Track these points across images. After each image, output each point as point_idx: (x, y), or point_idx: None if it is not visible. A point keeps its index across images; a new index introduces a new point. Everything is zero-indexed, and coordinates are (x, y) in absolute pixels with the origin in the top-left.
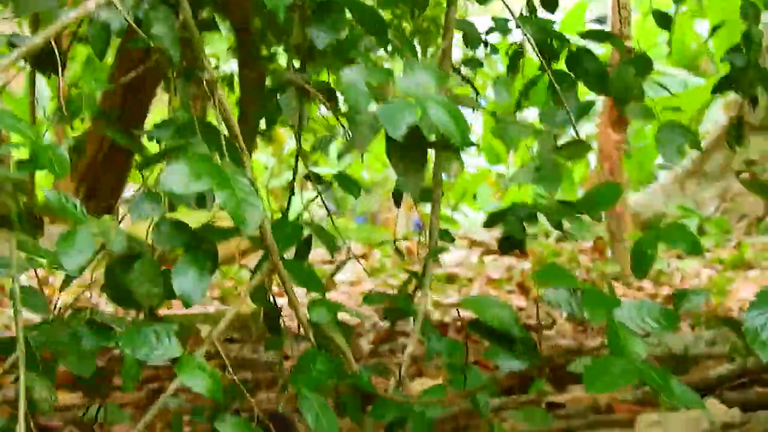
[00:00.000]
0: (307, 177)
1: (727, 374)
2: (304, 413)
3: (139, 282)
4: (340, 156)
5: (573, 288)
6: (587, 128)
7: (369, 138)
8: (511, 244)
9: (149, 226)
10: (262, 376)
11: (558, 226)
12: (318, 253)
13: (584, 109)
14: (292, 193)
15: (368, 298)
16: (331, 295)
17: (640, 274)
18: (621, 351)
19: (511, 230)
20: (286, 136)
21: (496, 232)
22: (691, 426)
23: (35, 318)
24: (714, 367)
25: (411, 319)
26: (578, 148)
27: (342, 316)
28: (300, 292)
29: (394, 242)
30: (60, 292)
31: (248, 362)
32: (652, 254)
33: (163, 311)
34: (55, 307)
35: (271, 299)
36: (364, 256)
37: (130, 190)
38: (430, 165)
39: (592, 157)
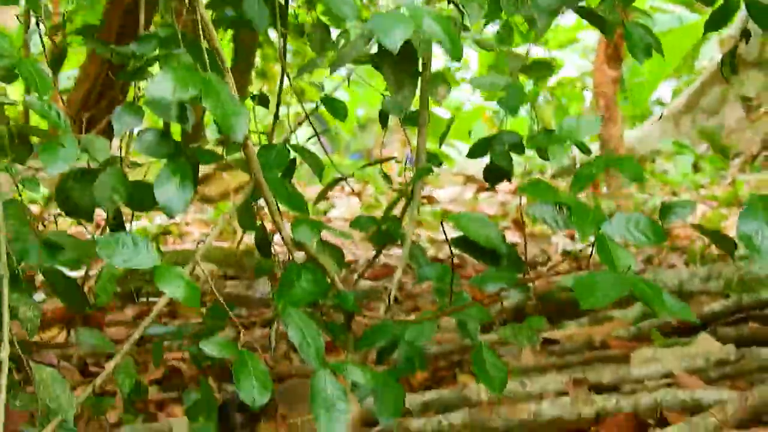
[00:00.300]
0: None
1: (722, 310)
2: (289, 331)
3: (101, 188)
4: (332, 69)
5: (559, 204)
6: (583, 65)
7: (354, 52)
8: (498, 175)
9: (121, 140)
10: (257, 313)
11: (544, 155)
12: (314, 190)
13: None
14: (277, 114)
15: (356, 222)
16: (323, 234)
17: (577, 189)
18: (611, 264)
19: (496, 160)
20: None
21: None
22: (685, 362)
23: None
24: (708, 303)
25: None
26: (543, 67)
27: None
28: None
29: (380, 163)
30: (44, 207)
31: (242, 299)
32: (595, 174)
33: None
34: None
35: (260, 223)
36: (358, 194)
37: None
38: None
39: (587, 94)
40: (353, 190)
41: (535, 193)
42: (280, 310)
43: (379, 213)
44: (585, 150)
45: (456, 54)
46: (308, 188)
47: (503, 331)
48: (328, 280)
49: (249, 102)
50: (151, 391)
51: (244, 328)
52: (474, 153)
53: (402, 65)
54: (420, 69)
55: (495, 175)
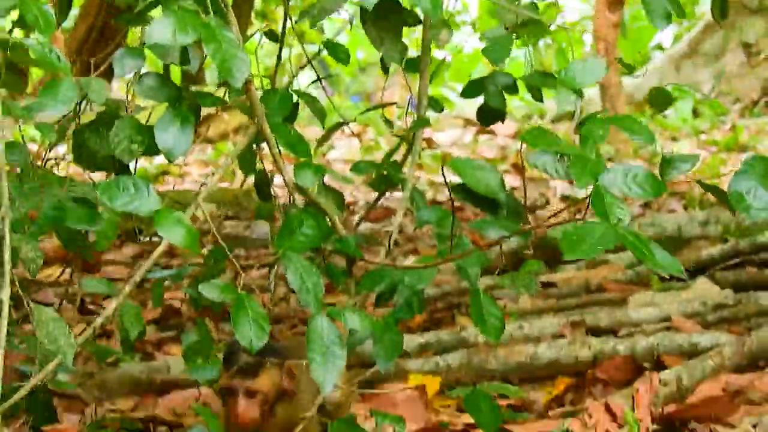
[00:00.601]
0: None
1: (720, 255)
2: (289, 276)
3: (119, 137)
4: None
5: (559, 152)
6: (583, 9)
7: (335, 5)
8: (491, 116)
9: (128, 84)
10: (255, 254)
11: (537, 96)
12: (311, 131)
13: None
14: (280, 57)
15: (356, 167)
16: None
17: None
18: (604, 215)
19: (490, 100)
20: (279, 14)
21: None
22: (683, 306)
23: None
24: (707, 247)
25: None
26: (536, 28)
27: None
28: None
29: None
30: (48, 150)
31: (241, 240)
32: (603, 135)
33: (157, 186)
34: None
35: (261, 166)
36: (358, 135)
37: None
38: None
39: (587, 38)
40: (353, 132)
41: (536, 141)
42: (280, 254)
43: (378, 155)
44: (579, 94)
45: (434, 13)
46: (307, 129)
47: (502, 279)
48: (330, 225)
49: (250, 45)
50: (148, 330)
51: (242, 269)
52: (467, 93)
53: (382, 21)
54: (406, 21)
55: (488, 115)
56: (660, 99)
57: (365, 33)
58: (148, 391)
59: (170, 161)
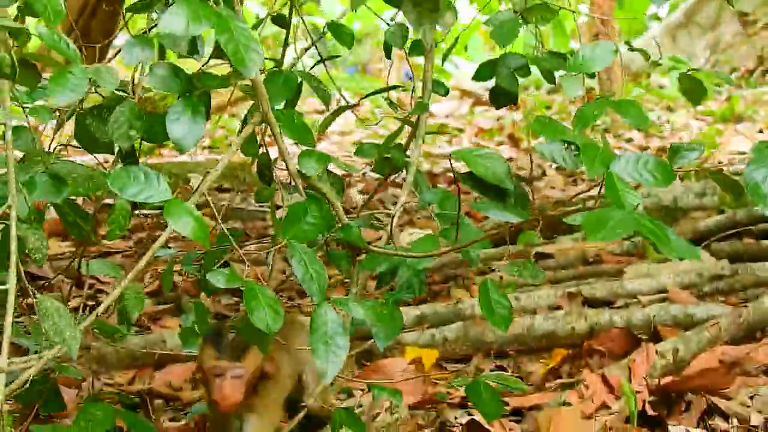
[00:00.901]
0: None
1: (717, 226)
2: (293, 264)
3: (118, 123)
4: (353, 7)
5: (566, 141)
6: None
7: None
8: (504, 98)
9: (134, 71)
10: (251, 225)
11: (550, 78)
12: (310, 103)
13: None
14: (286, 43)
15: (360, 149)
16: (321, 146)
17: (579, 128)
18: (619, 203)
19: (503, 83)
20: None
21: (488, 83)
22: (679, 277)
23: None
24: (703, 218)
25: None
26: (545, 11)
27: (334, 168)
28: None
29: (387, 91)
30: (54, 134)
31: (237, 211)
32: (597, 115)
33: (152, 159)
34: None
35: (263, 149)
36: (355, 106)
37: (120, 38)
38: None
39: (583, 8)
40: (349, 104)
41: (544, 130)
42: (285, 245)
43: (374, 128)
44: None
45: None
46: (307, 100)
47: (510, 267)
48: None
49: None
50: (145, 303)
51: (240, 246)
52: (479, 75)
53: (423, 2)
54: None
55: (501, 97)
56: (694, 90)
57: (404, 14)
58: (145, 365)
59: (181, 152)
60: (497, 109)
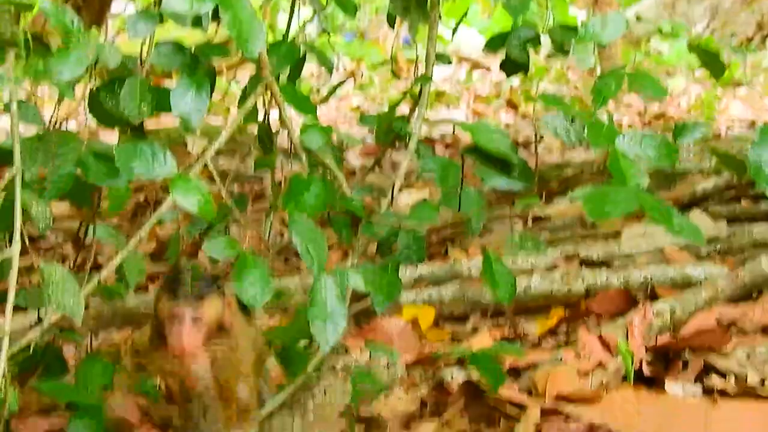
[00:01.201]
0: None
1: (714, 188)
2: (294, 239)
3: (130, 98)
4: None
5: (571, 116)
6: None
7: None
8: (515, 68)
9: (141, 45)
10: (250, 189)
11: (561, 48)
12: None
13: None
14: (292, 13)
15: (363, 118)
16: (320, 112)
17: (599, 104)
18: (622, 179)
19: (513, 54)
20: None
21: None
22: (675, 238)
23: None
24: (700, 181)
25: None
26: None
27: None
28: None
29: (392, 61)
30: (56, 107)
31: (235, 174)
32: (617, 87)
33: (150, 124)
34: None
35: (264, 119)
36: (352, 73)
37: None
38: None
39: None
40: (347, 71)
41: (550, 104)
42: (287, 217)
43: (372, 92)
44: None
45: None
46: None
47: (513, 238)
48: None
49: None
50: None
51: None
52: (490, 46)
53: None
54: None
55: (511, 67)
56: (715, 66)
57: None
58: (142, 324)
59: (186, 129)
60: (508, 76)
